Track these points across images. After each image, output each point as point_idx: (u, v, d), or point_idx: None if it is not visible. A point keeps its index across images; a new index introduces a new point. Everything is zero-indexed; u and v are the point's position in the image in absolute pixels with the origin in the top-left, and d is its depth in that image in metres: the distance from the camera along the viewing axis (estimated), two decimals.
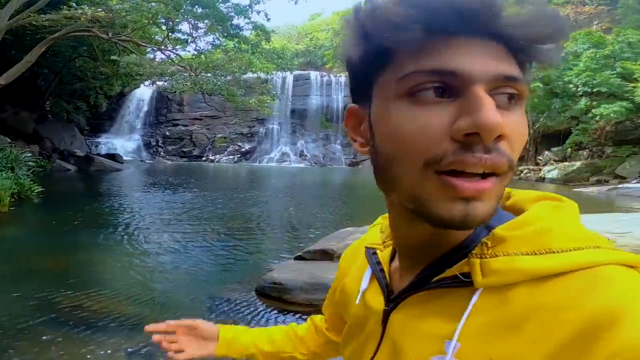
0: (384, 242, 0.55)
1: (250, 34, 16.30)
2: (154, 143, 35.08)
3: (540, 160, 21.79)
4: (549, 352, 0.33)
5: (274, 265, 4.76)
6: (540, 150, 22.22)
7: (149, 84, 22.93)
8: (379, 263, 0.53)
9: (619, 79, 17.89)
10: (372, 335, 0.50)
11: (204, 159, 35.01)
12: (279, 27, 47.53)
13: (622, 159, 21.98)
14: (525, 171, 21.36)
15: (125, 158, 23.73)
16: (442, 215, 0.37)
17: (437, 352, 0.40)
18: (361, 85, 0.44)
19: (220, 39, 16.14)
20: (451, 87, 0.37)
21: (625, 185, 17.97)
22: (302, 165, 34.63)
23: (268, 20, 16.37)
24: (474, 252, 0.40)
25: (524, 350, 0.35)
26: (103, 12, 11.92)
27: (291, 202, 12.24)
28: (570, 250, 0.36)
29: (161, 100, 35.53)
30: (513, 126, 0.38)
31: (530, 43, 0.38)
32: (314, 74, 40.38)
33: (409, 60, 0.38)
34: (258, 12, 15.71)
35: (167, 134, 35.67)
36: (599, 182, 19.37)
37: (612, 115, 19.64)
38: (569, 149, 20.49)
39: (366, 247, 0.56)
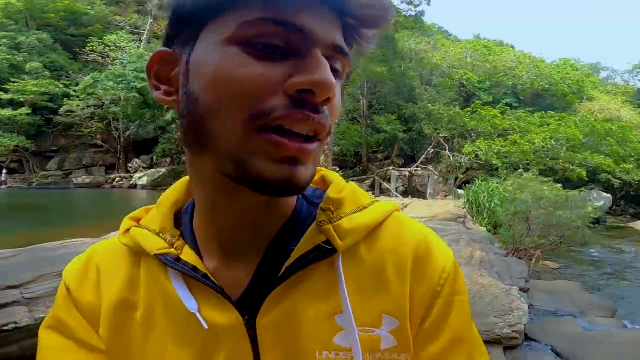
0: (174, 244, 0.44)
1: None
2: None
3: (130, 167, 22.27)
4: (408, 278, 0.43)
5: None
6: (130, 157, 22.72)
7: None
8: (194, 269, 0.42)
9: None
10: (236, 357, 0.41)
11: None
12: None
13: None
14: (117, 179, 21.21)
15: None
16: (265, 176, 0.35)
17: (335, 330, 0.40)
18: (187, 27, 0.40)
19: None
20: (290, 46, 0.36)
21: None
22: None
23: None
24: (320, 219, 0.42)
25: (396, 288, 0.42)
26: None
27: None
28: (370, 204, 0.46)
29: None
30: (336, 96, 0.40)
31: (362, 24, 0.40)
32: None
33: (257, 9, 0.36)
34: None
35: None
36: None
37: None
38: (155, 157, 22.13)
39: (158, 255, 0.43)
